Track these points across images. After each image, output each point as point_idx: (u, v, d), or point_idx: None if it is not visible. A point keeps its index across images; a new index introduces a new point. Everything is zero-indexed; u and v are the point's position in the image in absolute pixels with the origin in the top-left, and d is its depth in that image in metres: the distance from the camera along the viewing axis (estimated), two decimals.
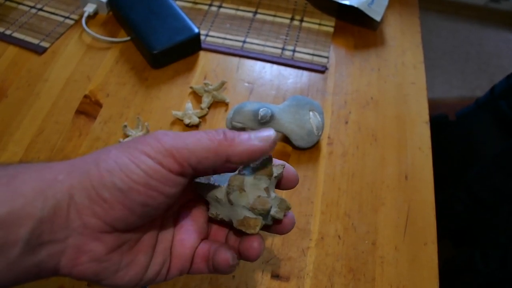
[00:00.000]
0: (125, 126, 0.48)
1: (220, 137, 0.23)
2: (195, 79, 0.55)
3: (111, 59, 0.56)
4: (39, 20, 0.59)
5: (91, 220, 0.22)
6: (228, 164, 0.24)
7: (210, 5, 0.63)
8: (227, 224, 0.28)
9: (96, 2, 0.59)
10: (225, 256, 0.26)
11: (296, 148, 0.48)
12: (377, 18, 0.59)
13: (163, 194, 0.23)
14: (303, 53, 0.58)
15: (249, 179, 0.26)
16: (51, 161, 0.23)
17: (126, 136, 0.48)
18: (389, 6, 0.64)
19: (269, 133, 0.24)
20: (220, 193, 0.27)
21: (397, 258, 0.42)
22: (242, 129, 0.48)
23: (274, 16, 0.62)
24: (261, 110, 0.45)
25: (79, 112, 0.51)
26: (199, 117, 0.50)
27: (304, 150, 0.49)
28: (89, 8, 0.59)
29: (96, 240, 0.22)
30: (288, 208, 0.27)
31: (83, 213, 0.22)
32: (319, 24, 0.62)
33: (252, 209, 0.26)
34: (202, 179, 0.27)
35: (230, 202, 0.26)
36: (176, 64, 0.56)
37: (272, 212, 0.26)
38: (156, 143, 0.23)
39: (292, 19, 0.62)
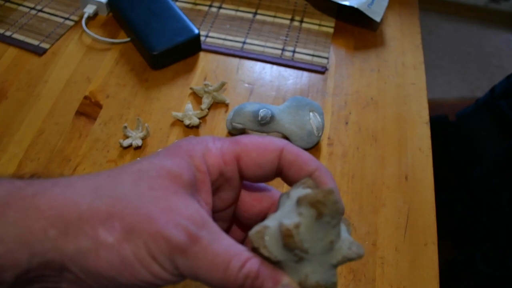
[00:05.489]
0: (125, 127, 0.48)
1: None
2: (195, 80, 0.55)
3: (111, 60, 0.56)
4: (39, 21, 0.59)
5: (85, 283, 0.21)
6: None
7: (210, 6, 0.63)
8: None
9: (96, 3, 0.59)
10: None
11: None
12: (377, 18, 0.59)
13: (167, 284, 0.22)
14: (303, 54, 0.58)
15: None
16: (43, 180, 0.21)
17: (126, 137, 0.48)
18: (389, 7, 0.64)
19: None
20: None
21: (397, 259, 0.42)
22: (243, 130, 0.48)
23: (274, 17, 0.62)
24: (261, 111, 0.45)
25: (79, 113, 0.51)
26: (199, 118, 0.50)
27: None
28: (89, 9, 0.59)
29: None
30: None
31: (76, 277, 0.21)
32: (319, 25, 0.62)
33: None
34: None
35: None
36: (176, 65, 0.56)
37: None
38: (164, 247, 0.19)
39: (292, 19, 0.62)
